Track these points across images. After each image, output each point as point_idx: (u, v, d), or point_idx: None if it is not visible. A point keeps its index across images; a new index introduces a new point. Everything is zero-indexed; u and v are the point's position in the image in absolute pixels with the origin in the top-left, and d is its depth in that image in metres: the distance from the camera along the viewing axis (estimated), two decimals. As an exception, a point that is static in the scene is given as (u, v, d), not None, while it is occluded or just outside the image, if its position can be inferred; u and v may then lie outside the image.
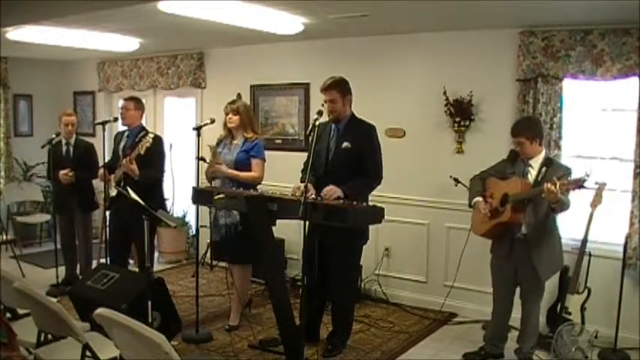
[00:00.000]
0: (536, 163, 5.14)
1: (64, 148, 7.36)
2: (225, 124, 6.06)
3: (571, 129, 6.12)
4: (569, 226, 6.09)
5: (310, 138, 5.09)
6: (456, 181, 6.18)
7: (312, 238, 5.05)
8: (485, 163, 5.47)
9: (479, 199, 5.30)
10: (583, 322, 5.47)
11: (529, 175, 5.12)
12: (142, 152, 6.10)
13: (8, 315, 4.57)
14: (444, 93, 6.55)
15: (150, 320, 4.87)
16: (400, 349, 5.83)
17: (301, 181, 5.31)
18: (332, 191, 5.07)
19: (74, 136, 7.42)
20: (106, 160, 6.78)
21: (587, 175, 4.61)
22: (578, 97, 6.11)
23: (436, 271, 6.83)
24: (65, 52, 8.81)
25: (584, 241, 5.54)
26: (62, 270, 7.50)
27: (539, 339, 5.52)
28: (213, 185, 6.06)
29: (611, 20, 5.47)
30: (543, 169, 5.07)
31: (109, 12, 5.50)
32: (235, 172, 5.84)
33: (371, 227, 5.51)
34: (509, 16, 5.76)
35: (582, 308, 5.54)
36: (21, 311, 4.60)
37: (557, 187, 4.63)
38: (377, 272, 7.23)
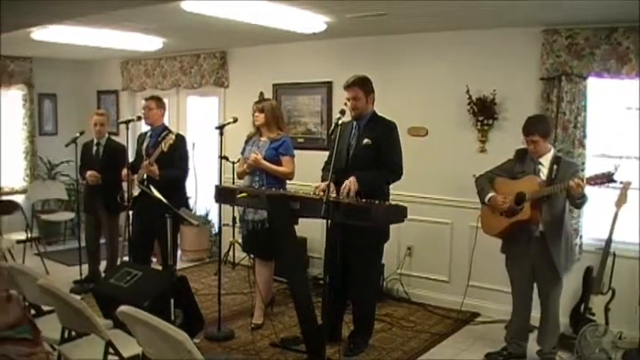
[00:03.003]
0: (546, 161, 5.14)
1: (95, 149, 7.43)
2: (254, 122, 6.11)
3: (595, 128, 6.06)
4: (593, 226, 6.06)
5: (333, 137, 5.10)
6: (479, 180, 6.17)
7: (334, 236, 5.04)
8: (508, 163, 5.45)
9: (493, 193, 5.28)
10: (607, 323, 5.41)
11: (541, 174, 5.11)
12: (165, 150, 6.16)
13: (33, 312, 4.60)
14: (467, 92, 6.52)
15: (172, 318, 4.89)
16: (422, 348, 5.81)
17: (322, 180, 5.33)
18: (350, 186, 5.05)
19: (105, 136, 7.48)
20: (130, 161, 6.80)
21: (616, 169, 4.61)
22: (602, 95, 6.04)
23: (459, 270, 6.79)
24: (89, 52, 8.87)
25: (609, 241, 5.50)
26: (85, 267, 7.57)
27: (563, 340, 5.49)
28: (242, 183, 6.11)
29: (636, 18, 5.40)
30: (554, 166, 5.06)
31: (133, 11, 5.53)
32: (270, 165, 5.88)
33: (393, 226, 5.49)
34: (532, 15, 5.71)
35: (606, 309, 5.48)
36: (45, 308, 4.63)
37: (585, 182, 4.65)
38: (399, 271, 7.21)
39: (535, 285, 5.36)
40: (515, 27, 6.22)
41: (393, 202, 5.00)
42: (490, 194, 5.29)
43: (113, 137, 7.76)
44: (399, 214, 4.85)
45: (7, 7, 5.11)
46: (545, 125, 5.19)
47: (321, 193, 4.89)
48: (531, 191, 5.01)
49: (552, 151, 5.22)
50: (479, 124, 6.55)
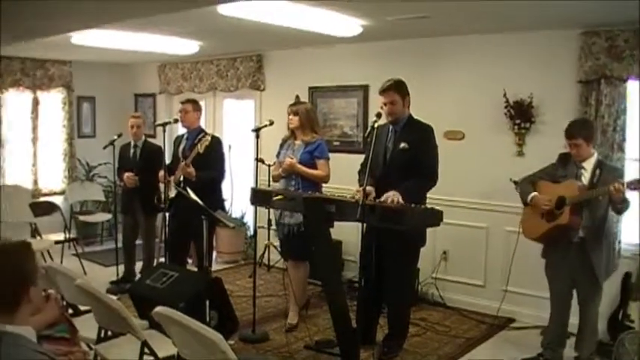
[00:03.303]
0: (588, 165, 5.06)
1: (132, 151, 7.55)
2: (288, 125, 6.13)
3: (635, 131, 5.96)
4: (631, 231, 5.96)
5: (369, 140, 5.08)
6: (516, 184, 6.04)
7: (369, 240, 5.03)
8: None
9: (535, 193, 5.21)
10: (646, 330, 5.34)
11: (582, 178, 5.04)
12: (202, 151, 6.21)
13: (70, 311, 4.66)
14: (504, 95, 6.46)
15: (207, 319, 4.92)
16: (456, 353, 5.77)
17: (359, 183, 5.32)
18: (393, 198, 5.00)
19: (142, 138, 7.59)
20: (167, 163, 6.86)
21: None
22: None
23: (494, 275, 6.74)
24: (127, 56, 8.97)
25: (648, 246, 5.42)
26: (122, 268, 7.67)
27: (600, 347, 5.42)
28: (278, 186, 6.14)
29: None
30: (597, 171, 4.98)
31: (170, 15, 5.56)
32: (305, 169, 5.90)
33: (429, 230, 5.46)
34: (570, 17, 5.64)
35: (645, 316, 5.41)
36: (82, 308, 4.69)
37: (625, 186, 4.58)
38: (434, 275, 7.17)
39: (574, 291, 5.29)
40: (553, 29, 6.15)
41: (429, 206, 4.98)
42: (532, 194, 5.23)
43: (150, 139, 7.84)
44: (435, 217, 4.83)
45: (47, 13, 5.20)
46: (588, 129, 5.11)
47: (358, 195, 4.87)
48: (571, 195, 4.94)
49: (595, 155, 5.13)
50: (516, 127, 6.49)
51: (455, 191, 6.75)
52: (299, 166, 5.87)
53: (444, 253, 7.14)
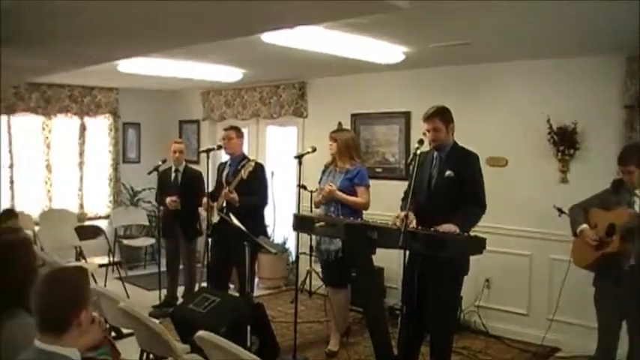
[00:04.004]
0: None
1: (173, 175, 7.65)
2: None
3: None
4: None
5: (411, 167, 5.06)
6: (560, 211, 5.97)
7: (411, 267, 4.99)
8: (590, 193, 5.28)
9: (585, 226, 5.12)
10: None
11: (635, 206, 4.92)
12: (245, 177, 6.26)
13: (113, 334, 4.71)
14: (548, 121, 6.42)
15: (248, 344, 4.93)
16: (500, 382, 5.70)
17: (401, 210, 5.29)
18: (449, 230, 4.92)
19: (183, 163, 7.70)
20: (210, 189, 6.93)
21: None
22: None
23: (538, 303, 6.65)
24: (172, 83, 9.12)
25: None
26: (165, 292, 7.73)
27: (648, 378, 5.29)
28: (318, 212, 6.16)
29: None
30: None
31: (215, 44, 5.65)
32: (345, 196, 5.91)
33: (472, 258, 5.41)
34: (615, 42, 5.59)
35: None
36: (125, 330, 4.74)
37: None
38: (477, 303, 7.09)
39: (623, 321, 5.17)
40: (597, 54, 6.11)
41: (472, 233, 4.94)
42: (582, 226, 5.14)
43: (193, 165, 7.94)
44: (478, 245, 4.78)
45: (98, 44, 5.33)
46: None
47: (399, 222, 4.85)
48: (621, 223, 4.85)
49: None
50: (559, 154, 6.43)
51: (498, 218, 6.66)
52: (338, 192, 5.89)
53: (487, 280, 7.07)
